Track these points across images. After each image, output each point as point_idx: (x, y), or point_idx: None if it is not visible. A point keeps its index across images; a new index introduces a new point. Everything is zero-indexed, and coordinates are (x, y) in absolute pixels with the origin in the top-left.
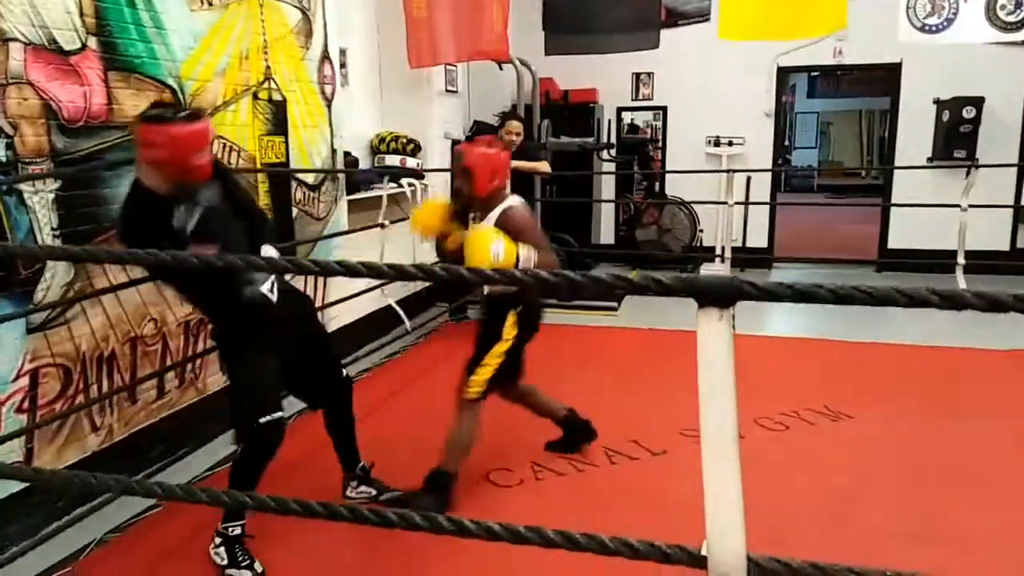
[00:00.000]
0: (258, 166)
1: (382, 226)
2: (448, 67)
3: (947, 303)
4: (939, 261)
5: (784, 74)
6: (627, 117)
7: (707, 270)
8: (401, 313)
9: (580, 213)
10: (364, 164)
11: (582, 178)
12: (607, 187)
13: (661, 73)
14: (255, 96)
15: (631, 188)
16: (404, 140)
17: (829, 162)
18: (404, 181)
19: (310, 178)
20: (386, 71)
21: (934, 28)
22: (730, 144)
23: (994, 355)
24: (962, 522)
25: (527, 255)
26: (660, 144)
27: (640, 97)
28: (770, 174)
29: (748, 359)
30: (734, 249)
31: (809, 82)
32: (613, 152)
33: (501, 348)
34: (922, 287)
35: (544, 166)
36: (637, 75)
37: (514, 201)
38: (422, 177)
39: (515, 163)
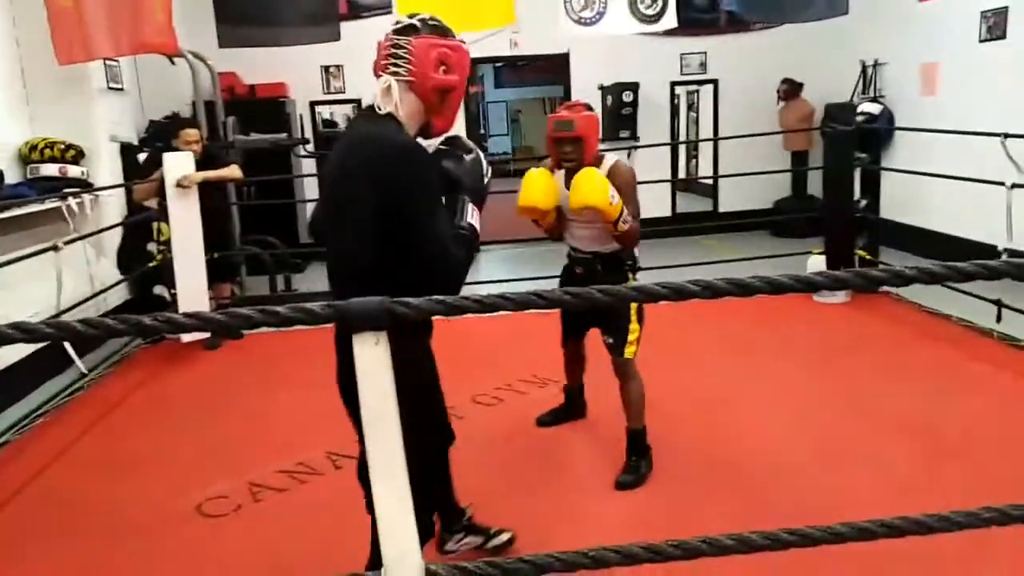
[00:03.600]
0: None
1: (56, 248)
2: (110, 62)
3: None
4: None
5: (471, 65)
6: (325, 112)
7: None
8: (73, 354)
9: (283, 213)
10: (11, 177)
11: (281, 176)
12: (310, 185)
13: (351, 65)
14: None
15: None
16: (62, 146)
17: (522, 148)
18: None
19: None
20: (32, 69)
21: (589, 21)
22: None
23: (678, 308)
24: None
25: (627, 215)
26: None
27: (332, 90)
28: None
29: (459, 342)
30: None
31: (495, 72)
32: (310, 148)
33: (636, 307)
34: (557, 290)
35: (234, 171)
36: (326, 68)
37: (617, 160)
38: (90, 186)
39: (202, 174)
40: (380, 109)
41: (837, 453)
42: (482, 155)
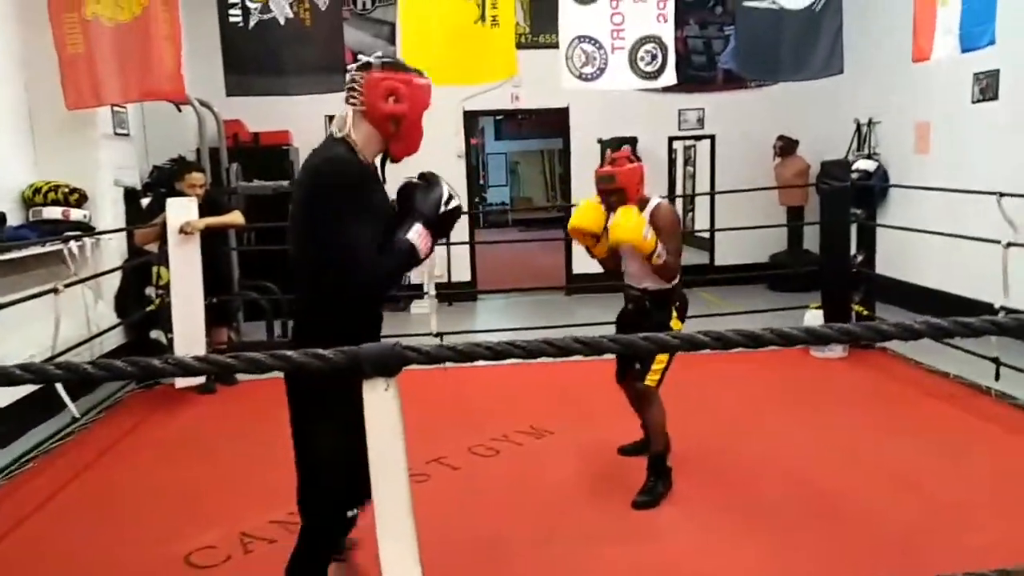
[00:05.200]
0: None
1: (56, 291)
2: (117, 108)
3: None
4: (613, 283)
5: (471, 117)
6: None
7: (417, 308)
8: (66, 397)
9: (283, 259)
10: (14, 220)
11: (282, 223)
12: None
13: None
14: None
15: None
16: (66, 189)
17: (520, 198)
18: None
19: None
20: (39, 113)
21: (590, 76)
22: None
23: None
24: (651, 512)
25: (661, 251)
26: None
27: None
28: (469, 210)
29: (459, 391)
30: (440, 285)
31: (496, 125)
32: None
33: None
34: (569, 338)
35: (236, 217)
36: (330, 117)
37: (659, 202)
38: (92, 229)
39: (205, 221)
40: (335, 134)
41: (831, 507)
42: (448, 191)
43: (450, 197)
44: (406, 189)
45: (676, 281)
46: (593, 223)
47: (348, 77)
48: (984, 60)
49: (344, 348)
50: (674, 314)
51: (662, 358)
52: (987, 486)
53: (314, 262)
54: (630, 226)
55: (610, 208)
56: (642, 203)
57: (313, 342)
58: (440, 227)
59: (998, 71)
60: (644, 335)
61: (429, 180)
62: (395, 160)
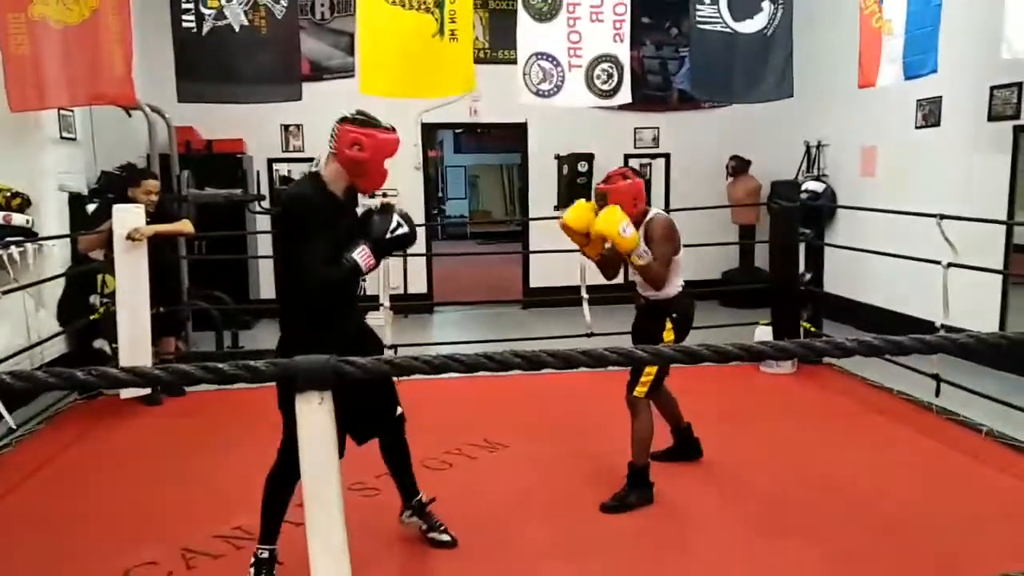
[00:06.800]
0: None
1: None
2: (63, 111)
3: (528, 364)
4: (570, 297)
5: (430, 130)
6: (283, 169)
7: (372, 319)
8: (1, 407)
9: (234, 269)
10: None
11: (235, 232)
12: (264, 241)
13: (311, 126)
14: None
15: None
16: (7, 193)
17: (479, 211)
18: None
19: None
20: None
21: (547, 93)
22: (384, 196)
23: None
24: (602, 527)
25: (645, 249)
26: None
27: (291, 149)
28: (425, 222)
29: (413, 404)
30: (396, 297)
31: (455, 138)
32: (266, 204)
33: None
34: (509, 352)
35: (186, 225)
36: (286, 127)
37: (656, 213)
38: (35, 235)
39: (153, 228)
40: (312, 168)
41: (777, 523)
42: (398, 220)
43: (398, 225)
44: (366, 216)
45: (676, 292)
46: (580, 222)
47: (333, 126)
48: (927, 88)
49: (277, 360)
50: (668, 325)
51: (651, 369)
52: (924, 503)
53: (283, 272)
54: (608, 219)
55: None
56: (640, 216)
57: (286, 347)
58: (387, 249)
59: (941, 98)
60: (584, 350)
61: (384, 209)
62: (363, 192)
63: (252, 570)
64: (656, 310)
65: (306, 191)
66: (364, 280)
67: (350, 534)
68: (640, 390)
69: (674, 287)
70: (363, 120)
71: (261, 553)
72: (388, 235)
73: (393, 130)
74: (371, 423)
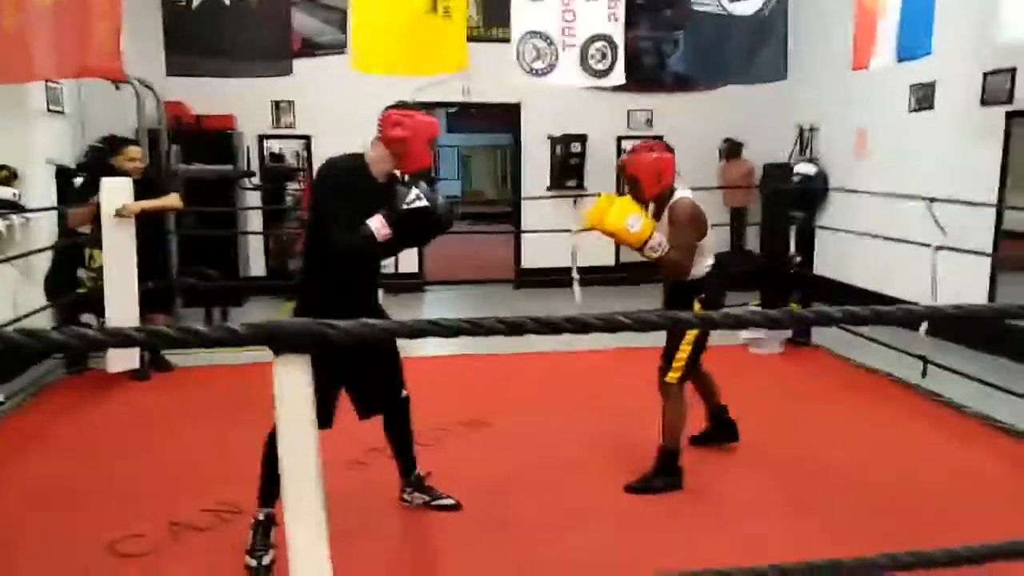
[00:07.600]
0: None
1: None
2: (51, 84)
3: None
4: (561, 277)
5: (422, 108)
6: (275, 146)
7: None
8: None
9: (224, 245)
10: None
11: (225, 208)
12: (254, 217)
13: (302, 102)
14: None
15: (280, 218)
16: None
17: (471, 192)
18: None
19: None
20: None
21: (540, 72)
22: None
23: (604, 354)
24: (586, 504)
25: (660, 241)
26: (308, 173)
27: (282, 125)
28: None
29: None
30: (387, 275)
31: (448, 117)
32: (256, 180)
33: (692, 335)
34: (492, 319)
35: (174, 200)
36: (277, 103)
37: (682, 195)
38: (22, 208)
39: (140, 204)
40: (358, 149)
41: (769, 500)
42: (417, 193)
43: (416, 198)
44: (394, 189)
45: (703, 273)
46: (592, 220)
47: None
48: (921, 72)
49: (256, 323)
50: (696, 307)
51: (682, 355)
52: (911, 482)
53: (307, 239)
54: (612, 215)
55: (635, 197)
56: (667, 195)
57: (304, 305)
58: (405, 220)
59: (934, 83)
60: (567, 316)
61: (408, 184)
62: (406, 172)
63: (251, 531)
64: (683, 291)
65: (344, 162)
66: (388, 259)
67: (337, 507)
68: (673, 375)
69: (702, 268)
70: (405, 105)
71: (260, 515)
72: (405, 205)
73: (430, 114)
74: (376, 399)
